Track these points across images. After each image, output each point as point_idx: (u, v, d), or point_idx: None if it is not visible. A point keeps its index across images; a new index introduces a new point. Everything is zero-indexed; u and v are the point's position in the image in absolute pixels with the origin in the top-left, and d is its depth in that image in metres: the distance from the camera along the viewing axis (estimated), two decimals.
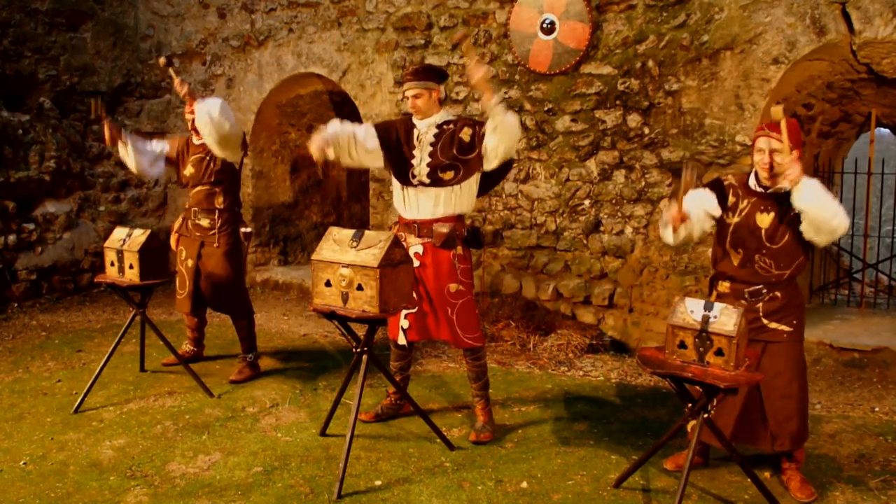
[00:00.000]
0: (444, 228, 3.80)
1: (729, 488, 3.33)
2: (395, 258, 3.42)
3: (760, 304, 3.25)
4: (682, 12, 5.11)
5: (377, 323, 3.54)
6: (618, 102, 5.40)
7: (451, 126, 3.82)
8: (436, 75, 3.85)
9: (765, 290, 3.25)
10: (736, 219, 3.28)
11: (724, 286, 3.35)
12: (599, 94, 5.46)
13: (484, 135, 3.71)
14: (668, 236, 3.35)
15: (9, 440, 3.88)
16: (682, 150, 5.20)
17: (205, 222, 4.73)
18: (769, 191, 3.21)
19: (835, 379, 4.77)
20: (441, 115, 3.88)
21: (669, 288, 5.28)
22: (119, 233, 4.50)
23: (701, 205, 3.32)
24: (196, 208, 4.75)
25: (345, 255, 3.45)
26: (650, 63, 5.25)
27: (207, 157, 4.66)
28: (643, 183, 5.37)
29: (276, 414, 4.24)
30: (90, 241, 7.27)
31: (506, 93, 5.81)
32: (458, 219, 3.87)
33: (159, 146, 4.86)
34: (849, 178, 6.22)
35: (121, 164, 7.71)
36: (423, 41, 6.15)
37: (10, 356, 5.30)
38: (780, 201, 3.18)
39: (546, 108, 5.67)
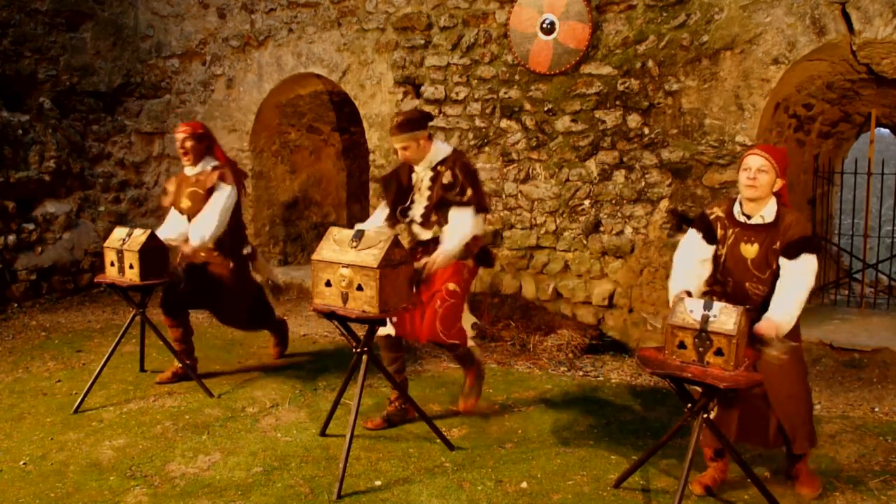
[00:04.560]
0: None
1: (729, 488, 3.33)
2: (394, 258, 3.42)
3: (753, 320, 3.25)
4: (682, 12, 5.11)
5: (377, 323, 3.54)
6: (618, 103, 5.40)
7: (443, 168, 3.94)
8: (419, 123, 3.90)
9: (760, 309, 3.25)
10: (723, 250, 3.28)
11: None
12: (599, 94, 5.46)
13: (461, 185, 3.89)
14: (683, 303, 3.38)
15: (9, 440, 3.88)
16: (682, 151, 5.20)
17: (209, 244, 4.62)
18: (751, 220, 3.21)
19: (835, 379, 4.77)
20: (435, 153, 3.97)
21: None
22: (119, 233, 4.50)
23: (695, 256, 3.33)
24: None
25: (345, 255, 3.45)
26: (650, 63, 5.25)
27: (203, 192, 4.57)
28: (643, 183, 5.37)
29: (276, 414, 4.24)
30: (90, 241, 7.27)
31: (506, 93, 5.81)
32: (475, 238, 4.00)
33: (174, 215, 4.80)
34: (849, 178, 6.21)
35: (120, 164, 7.74)
36: (423, 41, 6.15)
37: (10, 356, 5.30)
38: (764, 232, 3.19)
39: (546, 109, 5.67)
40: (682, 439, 3.61)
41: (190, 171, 4.67)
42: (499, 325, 5.64)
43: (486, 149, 5.89)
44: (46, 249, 6.93)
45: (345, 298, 3.44)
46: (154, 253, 4.42)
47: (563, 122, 5.62)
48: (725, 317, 2.89)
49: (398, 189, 4.07)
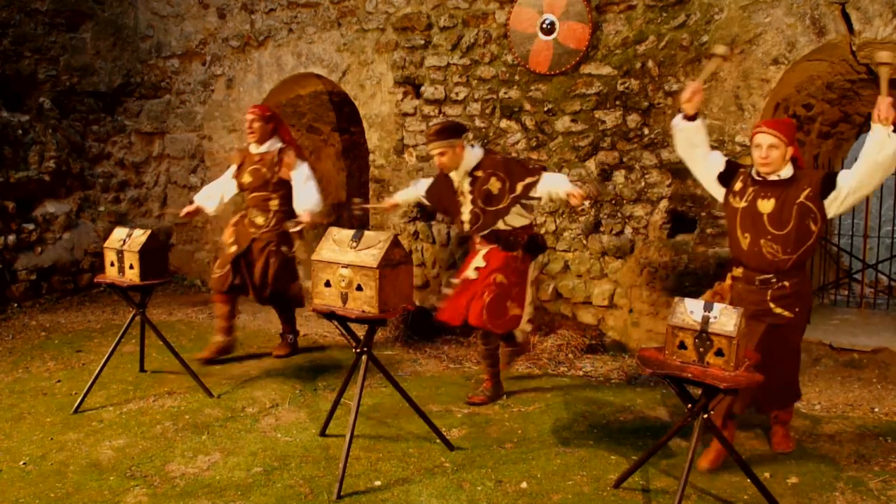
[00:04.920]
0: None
1: (729, 488, 3.33)
2: (394, 258, 3.42)
3: (769, 291, 3.41)
4: (681, 13, 5.11)
5: (377, 323, 3.54)
6: (617, 103, 5.40)
7: (480, 173, 4.19)
8: (457, 132, 4.18)
9: (774, 280, 3.41)
10: (743, 204, 3.46)
11: (737, 271, 3.54)
12: (599, 94, 5.46)
13: (530, 187, 4.09)
14: (678, 119, 3.58)
15: (9, 440, 3.88)
16: None
17: (260, 220, 5.06)
18: (769, 178, 3.42)
19: (834, 379, 4.77)
20: (468, 160, 4.21)
21: (669, 288, 5.28)
22: (119, 233, 4.51)
23: (711, 158, 3.63)
24: (252, 208, 5.09)
25: (344, 255, 3.45)
26: (650, 63, 5.25)
27: (265, 170, 5.03)
28: (643, 183, 5.37)
29: (275, 414, 4.24)
30: (90, 241, 7.27)
31: (506, 93, 5.81)
32: (524, 228, 4.26)
33: (227, 180, 5.25)
34: None
35: (120, 164, 7.74)
36: (422, 41, 6.15)
37: (10, 356, 5.30)
38: (781, 187, 3.38)
39: (546, 109, 5.67)
40: (683, 439, 3.61)
41: (255, 148, 5.13)
42: None
43: None
44: (46, 249, 6.93)
45: (344, 298, 3.44)
46: (154, 253, 4.43)
47: (562, 123, 5.62)
48: (726, 318, 2.90)
49: (442, 197, 4.40)
